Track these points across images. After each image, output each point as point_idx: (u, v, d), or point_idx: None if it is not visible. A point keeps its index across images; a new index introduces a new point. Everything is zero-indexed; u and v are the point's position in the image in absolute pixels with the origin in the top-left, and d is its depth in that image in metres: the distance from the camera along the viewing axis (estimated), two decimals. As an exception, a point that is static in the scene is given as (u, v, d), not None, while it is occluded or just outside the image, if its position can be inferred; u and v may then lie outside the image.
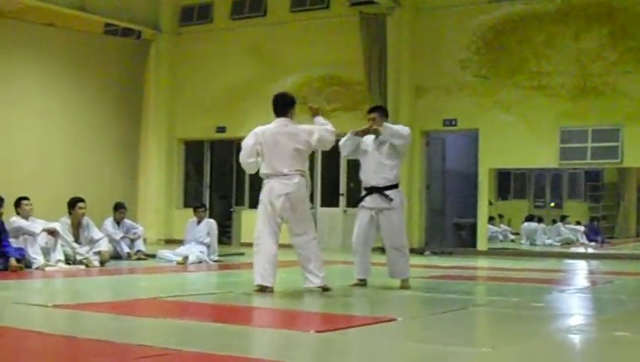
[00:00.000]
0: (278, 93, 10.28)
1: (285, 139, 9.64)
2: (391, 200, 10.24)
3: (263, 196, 9.84)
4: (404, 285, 10.33)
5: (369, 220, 10.39)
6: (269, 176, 9.76)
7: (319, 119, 9.98)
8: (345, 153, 10.77)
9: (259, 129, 9.86)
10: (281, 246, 9.85)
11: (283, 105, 9.85)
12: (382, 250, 10.75)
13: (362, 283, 10.52)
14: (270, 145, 9.68)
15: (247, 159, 9.95)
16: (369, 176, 10.48)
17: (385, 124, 10.47)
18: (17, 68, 20.89)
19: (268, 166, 9.76)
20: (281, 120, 9.79)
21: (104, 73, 22.90)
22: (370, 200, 10.41)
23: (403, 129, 10.57)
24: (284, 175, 9.63)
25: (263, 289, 9.45)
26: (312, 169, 20.19)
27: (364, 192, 10.61)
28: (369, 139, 10.50)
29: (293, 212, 9.64)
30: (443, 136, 21.29)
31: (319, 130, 9.77)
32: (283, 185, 9.64)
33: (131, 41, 24.77)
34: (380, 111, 10.80)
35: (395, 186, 10.36)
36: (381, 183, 10.33)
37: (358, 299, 9.71)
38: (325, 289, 9.68)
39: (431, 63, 20.54)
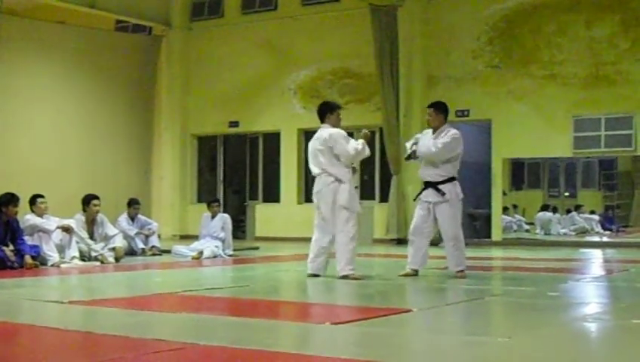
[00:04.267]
0: (321, 102, 11.29)
1: (316, 142, 10.54)
2: (443, 194, 10.54)
3: None
4: (458, 275, 10.55)
5: (426, 213, 10.69)
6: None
7: (359, 141, 10.56)
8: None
9: None
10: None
11: (319, 113, 10.79)
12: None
13: (414, 273, 10.74)
14: (309, 150, 10.71)
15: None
16: (423, 171, 10.88)
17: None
18: (30, 66, 20.98)
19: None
20: (321, 126, 10.65)
21: (116, 69, 22.98)
22: (425, 194, 10.74)
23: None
24: (316, 175, 10.54)
25: (310, 275, 10.51)
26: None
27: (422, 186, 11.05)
28: (425, 138, 10.88)
29: (325, 209, 10.37)
30: (456, 126, 21.13)
31: (345, 143, 10.40)
32: (316, 185, 10.59)
33: (142, 37, 24.83)
34: (437, 107, 11.05)
35: (448, 180, 10.62)
36: (434, 178, 10.67)
37: (374, 290, 9.71)
38: (349, 278, 10.14)
39: (442, 54, 20.52)
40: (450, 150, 10.64)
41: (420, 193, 10.89)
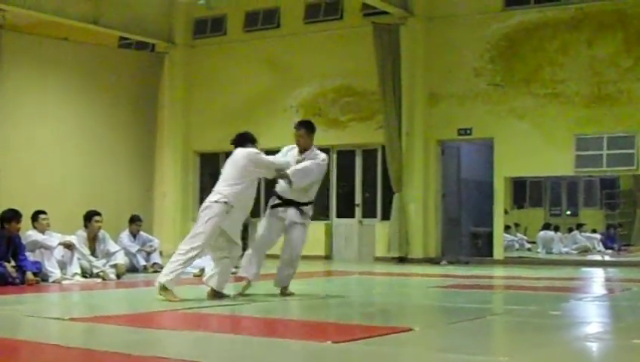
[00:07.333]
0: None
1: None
2: (307, 216, 10.52)
3: None
4: (284, 292, 10.83)
5: (276, 227, 10.82)
6: None
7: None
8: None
9: None
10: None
11: (236, 143, 10.88)
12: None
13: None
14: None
15: None
16: (285, 189, 10.74)
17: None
18: (33, 82, 21.00)
19: None
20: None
21: (119, 86, 23.00)
22: (285, 210, 10.66)
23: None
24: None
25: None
26: (327, 180, 20.19)
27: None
28: (289, 157, 10.75)
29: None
30: (458, 145, 21.24)
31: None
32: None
33: (145, 53, 24.88)
34: (307, 127, 10.67)
35: (310, 203, 10.60)
36: (300, 199, 10.56)
37: (375, 309, 9.69)
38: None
39: (445, 72, 20.54)
40: (311, 175, 10.45)
41: (276, 206, 10.74)
